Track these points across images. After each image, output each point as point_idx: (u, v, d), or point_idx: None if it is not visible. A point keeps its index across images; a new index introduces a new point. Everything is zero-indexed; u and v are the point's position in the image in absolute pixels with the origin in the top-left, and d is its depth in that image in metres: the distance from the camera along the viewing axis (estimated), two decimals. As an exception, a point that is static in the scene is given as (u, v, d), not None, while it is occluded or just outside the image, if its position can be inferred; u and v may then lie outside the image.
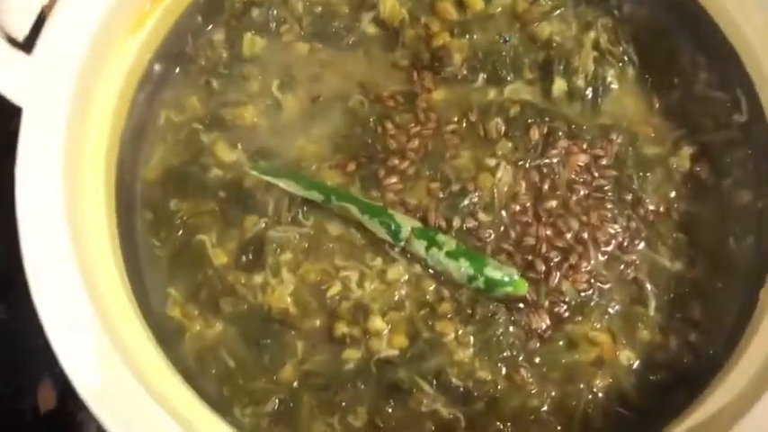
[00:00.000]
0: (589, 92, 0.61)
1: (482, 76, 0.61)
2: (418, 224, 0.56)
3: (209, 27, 0.63)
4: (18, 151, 0.50)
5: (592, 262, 0.56)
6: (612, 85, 0.61)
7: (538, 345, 0.55)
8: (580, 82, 0.61)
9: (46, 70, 0.51)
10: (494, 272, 0.54)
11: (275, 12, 0.63)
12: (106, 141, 0.56)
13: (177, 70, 0.62)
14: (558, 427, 0.53)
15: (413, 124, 0.60)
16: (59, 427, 0.67)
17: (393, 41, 0.63)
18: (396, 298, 0.56)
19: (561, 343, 0.55)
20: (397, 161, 0.59)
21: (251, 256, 0.57)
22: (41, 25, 0.52)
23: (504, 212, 0.58)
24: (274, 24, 0.63)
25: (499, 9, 0.63)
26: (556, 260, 0.56)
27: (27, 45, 0.52)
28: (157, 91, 0.61)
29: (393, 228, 0.56)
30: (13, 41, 0.52)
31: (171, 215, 0.59)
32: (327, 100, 0.61)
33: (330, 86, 0.62)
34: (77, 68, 0.52)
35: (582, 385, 0.54)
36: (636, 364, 0.54)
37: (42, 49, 0.51)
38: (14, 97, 0.50)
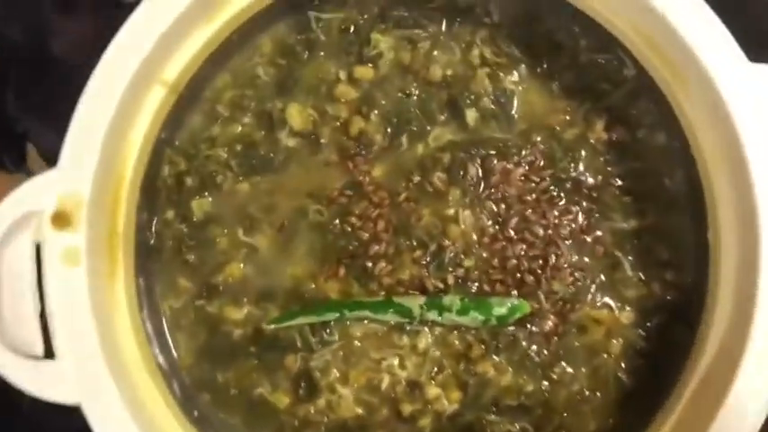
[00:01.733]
0: (497, 108, 0.67)
1: (404, 138, 0.67)
2: (423, 299, 0.65)
3: (157, 214, 0.67)
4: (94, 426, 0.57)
5: (567, 256, 0.65)
6: (514, 91, 0.67)
7: (557, 341, 0.65)
8: (486, 102, 0.67)
9: (77, 365, 0.57)
10: (500, 309, 0.64)
11: (203, 169, 0.67)
12: (142, 363, 0.63)
13: (156, 267, 0.67)
14: (599, 395, 0.65)
15: (371, 208, 0.67)
16: None
17: (316, 143, 0.68)
18: (434, 362, 0.65)
19: (574, 330, 0.65)
20: (376, 248, 0.66)
21: (306, 387, 0.65)
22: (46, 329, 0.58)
23: (480, 249, 0.66)
24: (209, 180, 0.67)
25: (388, 66, 0.68)
26: (539, 268, 0.65)
27: (48, 353, 0.57)
28: (152, 295, 0.66)
29: (404, 311, 0.64)
30: (34, 357, 0.57)
31: (224, 387, 0.66)
32: (291, 223, 0.67)
33: (286, 209, 0.67)
34: (100, 353, 0.57)
35: (604, 356, 0.65)
36: (636, 320, 0.65)
37: (64, 352, 0.57)
38: (66, 400, 0.57)
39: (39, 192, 0.58)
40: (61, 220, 0.58)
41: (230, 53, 0.68)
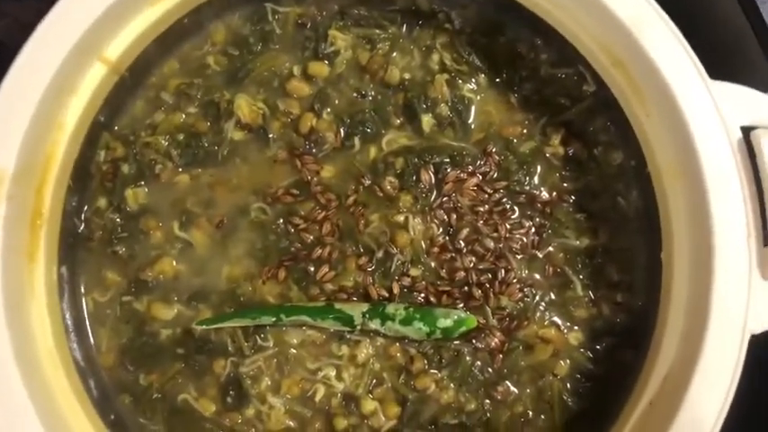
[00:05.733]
0: (454, 115, 0.65)
1: (357, 139, 0.65)
2: (365, 306, 0.61)
3: (88, 201, 0.63)
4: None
5: (516, 271, 0.63)
6: (472, 100, 0.66)
7: (502, 358, 0.62)
8: (444, 109, 0.65)
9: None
10: (445, 321, 0.61)
11: (141, 157, 0.64)
12: (58, 360, 0.58)
13: (82, 256, 0.63)
14: (543, 417, 0.62)
15: (317, 210, 0.64)
16: None
17: (264, 138, 0.65)
18: (373, 375, 0.62)
19: (520, 348, 0.63)
20: (319, 251, 0.63)
21: (234, 395, 0.61)
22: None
23: (429, 259, 0.63)
24: (147, 169, 0.64)
25: (345, 65, 0.66)
26: (487, 282, 0.63)
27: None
28: (75, 285, 0.62)
29: (345, 318, 0.61)
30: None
31: (146, 390, 0.62)
32: (230, 220, 0.64)
33: (226, 205, 0.64)
34: (8, 346, 0.53)
35: (550, 377, 0.62)
36: (584, 341, 0.63)
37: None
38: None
39: (-43, 162, 0.54)
40: (-22, 195, 0.54)
41: (180, 39, 0.65)
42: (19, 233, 0.56)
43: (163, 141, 0.64)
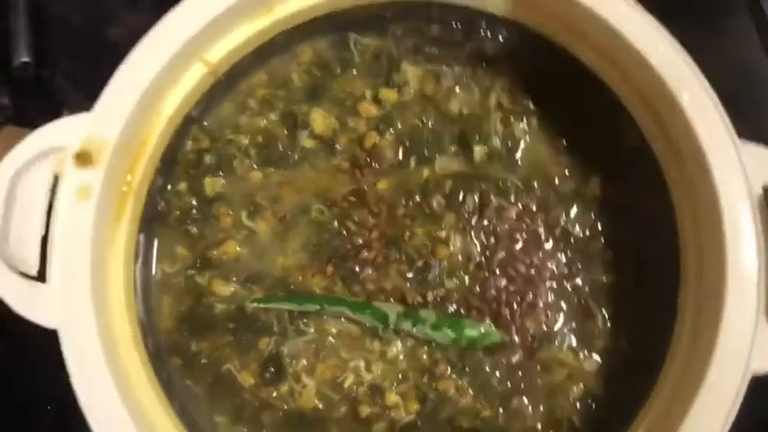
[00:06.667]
0: (504, 150, 0.72)
1: (413, 159, 0.72)
2: (400, 308, 0.68)
3: (172, 183, 0.72)
4: (67, 363, 0.59)
5: (544, 297, 0.69)
6: (522, 139, 0.72)
7: (520, 375, 0.67)
8: (495, 143, 0.72)
9: (64, 292, 0.60)
10: (472, 332, 0.67)
11: (223, 151, 0.72)
12: (127, 316, 0.66)
13: (159, 229, 0.71)
14: (551, 433, 0.67)
15: (369, 217, 0.71)
16: None
17: (331, 150, 0.72)
18: (400, 372, 0.68)
19: (538, 368, 0.67)
20: (366, 254, 0.70)
21: (273, 371, 0.68)
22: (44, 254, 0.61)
23: (464, 274, 0.69)
24: (226, 162, 0.72)
25: (412, 94, 0.73)
26: (516, 303, 0.68)
27: (40, 276, 0.61)
28: (149, 253, 0.70)
29: (381, 316, 0.67)
30: (27, 276, 0.60)
31: (195, 356, 0.68)
32: (292, 216, 0.71)
33: (291, 203, 0.71)
34: (88, 287, 0.61)
35: (562, 398, 0.67)
36: (598, 369, 0.67)
37: (55, 275, 0.60)
38: (48, 323, 0.59)
39: (70, 129, 0.63)
40: (83, 159, 0.63)
41: (272, 54, 0.74)
42: (111, 197, 0.64)
43: (244, 140, 0.72)
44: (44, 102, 0.90)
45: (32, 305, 0.59)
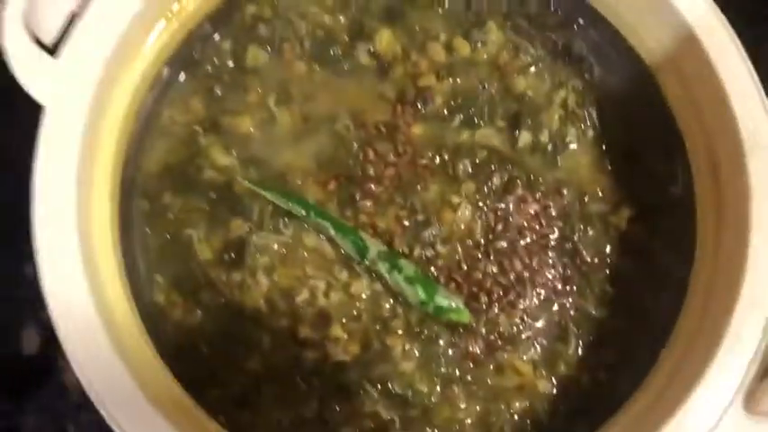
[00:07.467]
0: (550, 147, 0.68)
1: (459, 118, 0.68)
2: (384, 248, 0.64)
3: (218, 37, 0.68)
4: (39, 143, 0.56)
5: (527, 301, 0.65)
6: (571, 144, 0.68)
7: (471, 366, 0.63)
8: (544, 136, 0.68)
9: (70, 74, 0.57)
10: (443, 300, 0.62)
11: (280, 30, 0.69)
12: (116, 137, 0.63)
13: (184, 74, 0.67)
14: (476, 435, 0.63)
15: (391, 154, 0.67)
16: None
17: (383, 74, 0.69)
18: (355, 310, 0.64)
19: (491, 367, 0.63)
20: (373, 186, 0.66)
21: (233, 256, 0.64)
22: (68, 30, 0.58)
23: (459, 246, 0.65)
24: (278, 41, 0.69)
25: (484, 57, 0.70)
26: (497, 295, 0.64)
27: (54, 49, 0.57)
28: (165, 92, 0.67)
29: (361, 248, 0.63)
30: (41, 44, 0.57)
31: (164, 208, 0.65)
32: (317, 120, 0.68)
33: (322, 107, 0.68)
34: (99, 74, 0.58)
35: (503, 406, 0.63)
36: (550, 393, 0.63)
37: (68, 55, 0.57)
38: (40, 97, 0.56)
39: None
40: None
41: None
42: (154, 9, 0.62)
43: (304, 28, 0.69)
44: None
45: (32, 72, 0.56)
